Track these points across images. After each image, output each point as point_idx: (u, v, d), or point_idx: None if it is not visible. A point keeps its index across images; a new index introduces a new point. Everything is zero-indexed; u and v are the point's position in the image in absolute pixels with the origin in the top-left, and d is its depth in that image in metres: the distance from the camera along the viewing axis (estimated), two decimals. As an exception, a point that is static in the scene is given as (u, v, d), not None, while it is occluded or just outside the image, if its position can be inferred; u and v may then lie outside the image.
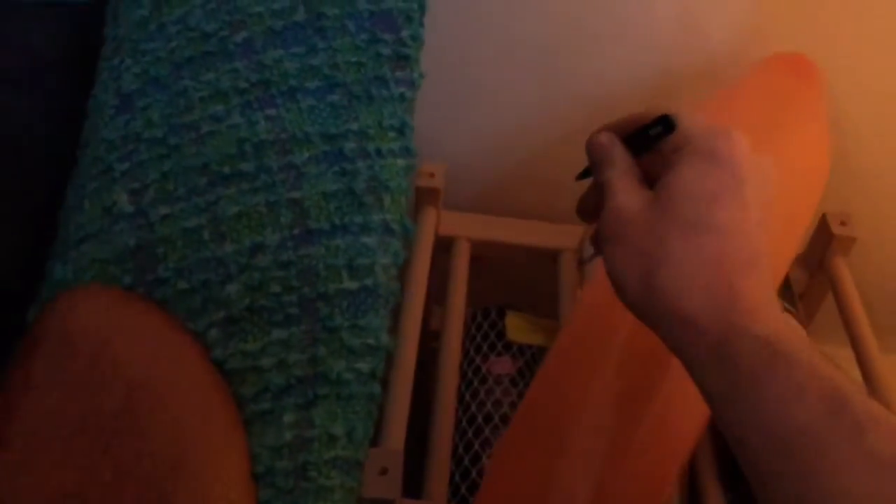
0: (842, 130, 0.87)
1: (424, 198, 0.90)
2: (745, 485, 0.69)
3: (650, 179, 0.46)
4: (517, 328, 0.95)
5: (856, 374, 0.77)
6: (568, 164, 0.95)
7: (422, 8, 0.65)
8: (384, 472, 0.59)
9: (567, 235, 0.93)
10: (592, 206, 0.49)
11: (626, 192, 0.45)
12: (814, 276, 0.89)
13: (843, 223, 0.86)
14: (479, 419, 0.85)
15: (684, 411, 0.60)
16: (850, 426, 0.36)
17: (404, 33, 0.63)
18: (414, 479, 0.68)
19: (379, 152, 0.60)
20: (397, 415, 0.68)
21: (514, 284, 0.98)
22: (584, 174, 0.52)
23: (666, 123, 0.45)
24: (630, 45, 0.86)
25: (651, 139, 0.46)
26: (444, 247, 0.93)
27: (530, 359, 0.92)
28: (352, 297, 0.57)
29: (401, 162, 0.61)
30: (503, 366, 0.91)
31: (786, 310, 0.84)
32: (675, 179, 0.43)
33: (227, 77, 0.60)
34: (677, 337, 0.42)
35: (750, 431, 0.38)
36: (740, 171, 0.43)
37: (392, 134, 0.61)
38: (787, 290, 0.87)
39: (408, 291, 0.82)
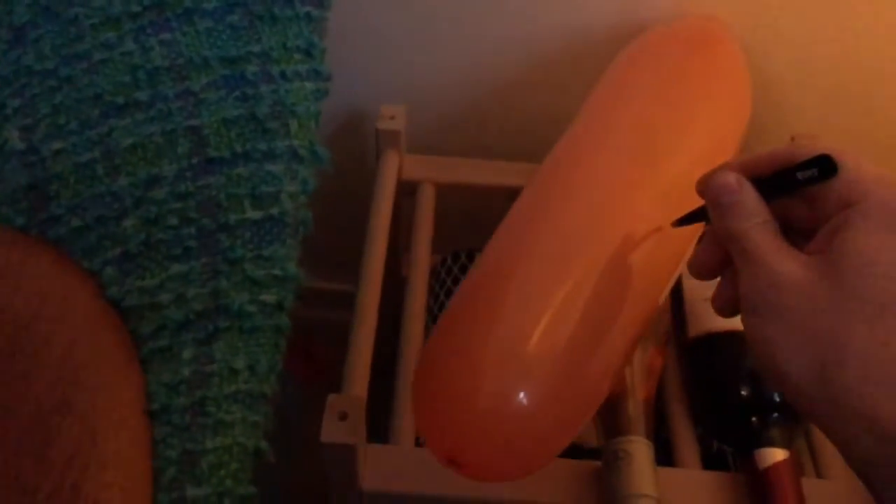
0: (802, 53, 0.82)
1: (385, 141, 0.88)
2: (710, 417, 0.67)
3: (787, 231, 0.39)
4: (485, 270, 0.92)
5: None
6: (528, 102, 0.92)
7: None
8: (344, 417, 0.57)
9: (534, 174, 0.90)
10: (711, 261, 0.42)
11: (777, 253, 0.38)
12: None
13: (810, 145, 0.82)
14: (449, 365, 0.83)
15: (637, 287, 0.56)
16: None
17: (307, -53, 0.59)
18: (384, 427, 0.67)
19: (284, 75, 0.57)
20: (360, 361, 0.66)
21: (483, 227, 0.95)
22: (688, 219, 0.45)
23: (824, 166, 0.37)
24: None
25: (797, 183, 0.38)
26: (408, 191, 0.90)
27: (499, 302, 0.89)
28: (255, 228, 0.54)
29: (309, 85, 0.58)
30: (472, 309, 0.89)
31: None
32: (854, 247, 0.35)
33: (119, 1, 0.57)
34: (867, 448, 0.35)
35: None
36: None
37: (298, 56, 0.58)
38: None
39: (369, 236, 0.80)
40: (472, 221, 0.97)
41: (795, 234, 0.39)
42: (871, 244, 0.35)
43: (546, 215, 0.57)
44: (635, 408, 0.61)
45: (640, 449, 0.58)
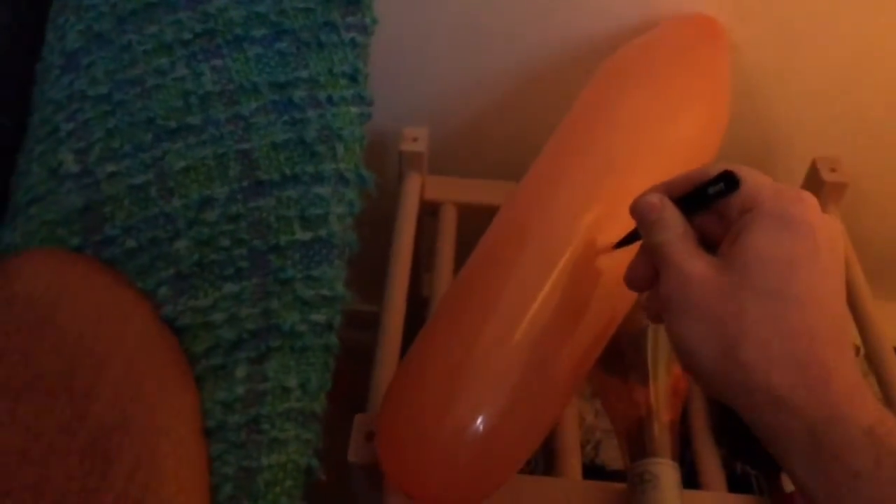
0: (823, 76, 0.84)
1: (408, 162, 0.89)
2: (734, 439, 0.67)
3: (706, 241, 0.44)
4: (505, 290, 0.93)
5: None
6: (548, 124, 0.94)
7: (372, -50, 0.63)
8: (370, 436, 0.58)
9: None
10: (643, 274, 0.46)
11: (688, 257, 0.42)
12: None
13: (833, 169, 0.83)
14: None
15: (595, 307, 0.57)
16: None
17: (353, -24, 0.61)
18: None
19: (330, 100, 0.58)
20: (385, 380, 0.67)
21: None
22: (625, 241, 0.50)
23: (729, 181, 0.42)
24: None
25: (709, 198, 0.43)
26: (430, 212, 0.92)
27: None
28: (305, 249, 0.55)
29: (354, 110, 0.59)
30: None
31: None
32: (748, 245, 0.41)
33: (171, 29, 0.58)
34: (768, 417, 0.39)
35: None
36: (815, 236, 0.40)
37: (344, 81, 0.59)
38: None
39: (393, 257, 0.80)
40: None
41: (714, 245, 0.44)
42: (764, 242, 0.40)
43: (502, 252, 0.60)
44: (660, 430, 0.61)
45: (665, 471, 0.58)
